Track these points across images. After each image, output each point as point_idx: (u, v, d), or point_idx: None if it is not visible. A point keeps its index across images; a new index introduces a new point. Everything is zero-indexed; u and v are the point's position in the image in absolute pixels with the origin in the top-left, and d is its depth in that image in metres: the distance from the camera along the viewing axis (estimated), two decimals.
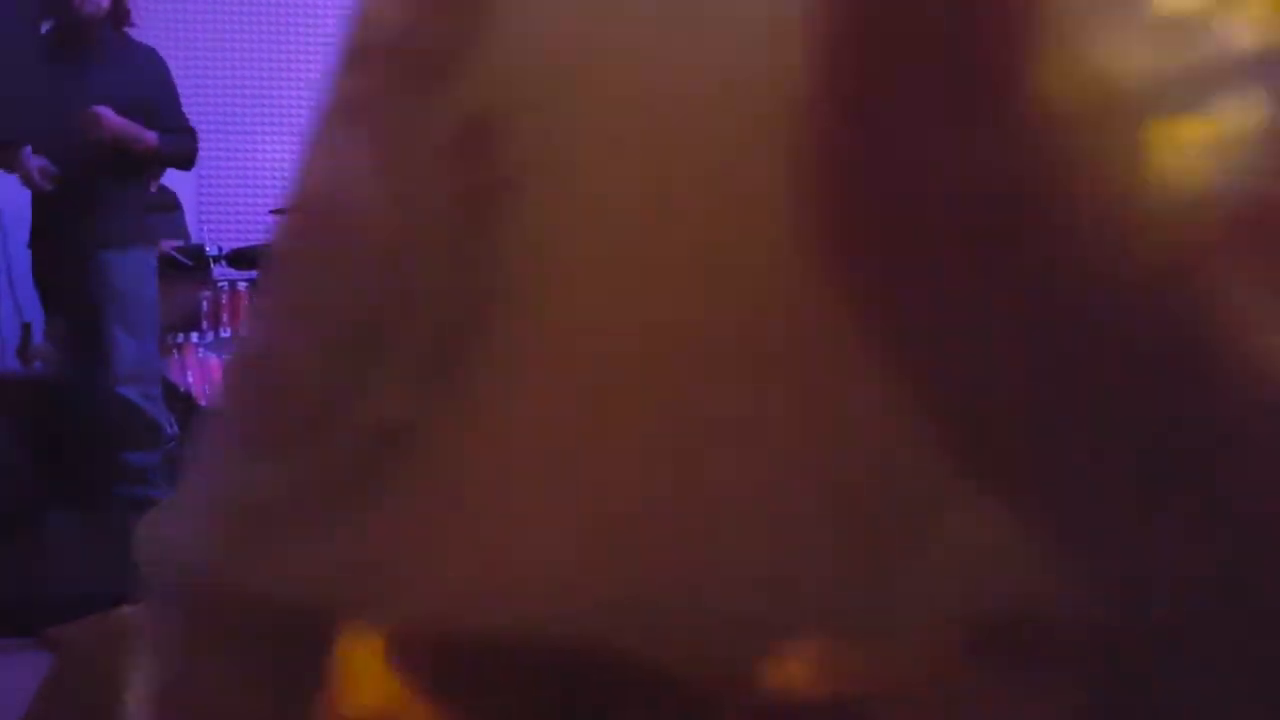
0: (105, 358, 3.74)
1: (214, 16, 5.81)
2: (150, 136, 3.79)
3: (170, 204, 5.15)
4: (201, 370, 4.74)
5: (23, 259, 4.90)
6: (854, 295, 0.11)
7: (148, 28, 5.75)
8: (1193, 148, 0.13)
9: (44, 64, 3.75)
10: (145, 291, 3.91)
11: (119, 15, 3.84)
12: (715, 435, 0.13)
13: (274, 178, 5.85)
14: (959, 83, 0.11)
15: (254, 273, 5.05)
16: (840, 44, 0.11)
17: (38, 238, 3.94)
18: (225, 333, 4.89)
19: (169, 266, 4.76)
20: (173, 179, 5.22)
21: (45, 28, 3.82)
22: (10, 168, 3.80)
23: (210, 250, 5.01)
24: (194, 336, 4.80)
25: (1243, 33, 0.14)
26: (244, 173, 5.89)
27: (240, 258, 5.11)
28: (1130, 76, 0.13)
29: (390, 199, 0.12)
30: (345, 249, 0.12)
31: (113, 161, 3.71)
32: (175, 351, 4.61)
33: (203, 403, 4.55)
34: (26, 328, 4.99)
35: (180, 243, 4.95)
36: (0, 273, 5.17)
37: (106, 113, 3.63)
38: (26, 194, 4.81)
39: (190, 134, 4.02)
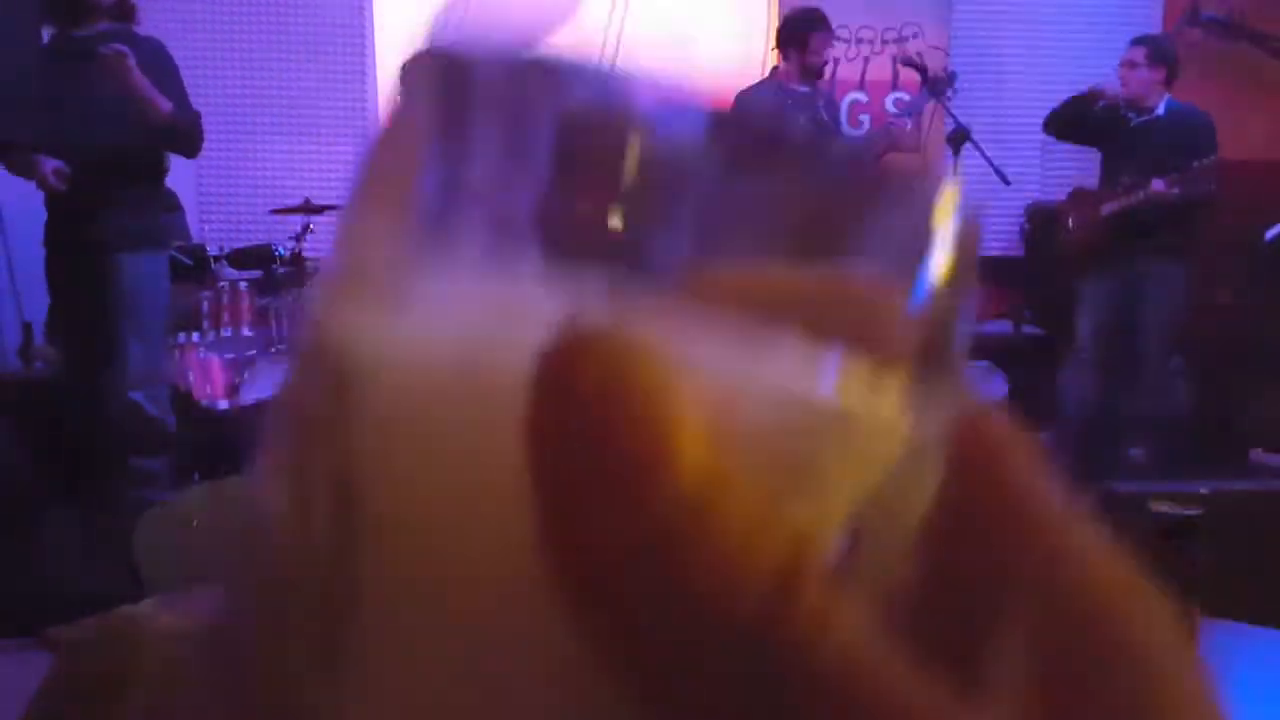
0: (115, 361, 3.73)
1: (215, 19, 5.80)
2: (164, 101, 3.78)
3: (171, 205, 5.15)
4: (202, 370, 4.73)
5: (25, 260, 4.91)
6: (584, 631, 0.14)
7: (149, 30, 5.75)
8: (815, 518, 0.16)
9: (49, 64, 3.74)
10: (157, 294, 3.90)
11: (124, 9, 3.83)
12: None
13: (274, 179, 5.85)
14: (605, 470, 0.14)
15: (255, 273, 5.05)
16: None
17: (52, 238, 3.92)
18: (226, 332, 4.88)
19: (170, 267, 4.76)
20: (173, 180, 5.22)
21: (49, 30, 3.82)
22: (27, 173, 3.78)
23: (211, 250, 5.00)
24: (194, 336, 4.79)
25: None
26: (244, 173, 5.89)
27: (241, 258, 5.12)
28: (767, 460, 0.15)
29: (294, 516, 0.14)
30: (264, 546, 0.14)
31: (128, 140, 3.70)
32: (176, 352, 4.60)
33: (202, 403, 4.55)
34: (28, 328, 4.99)
35: (180, 243, 4.94)
36: (2, 274, 5.18)
37: (129, 53, 3.65)
38: (31, 195, 4.82)
39: (196, 115, 4.01)
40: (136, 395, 3.73)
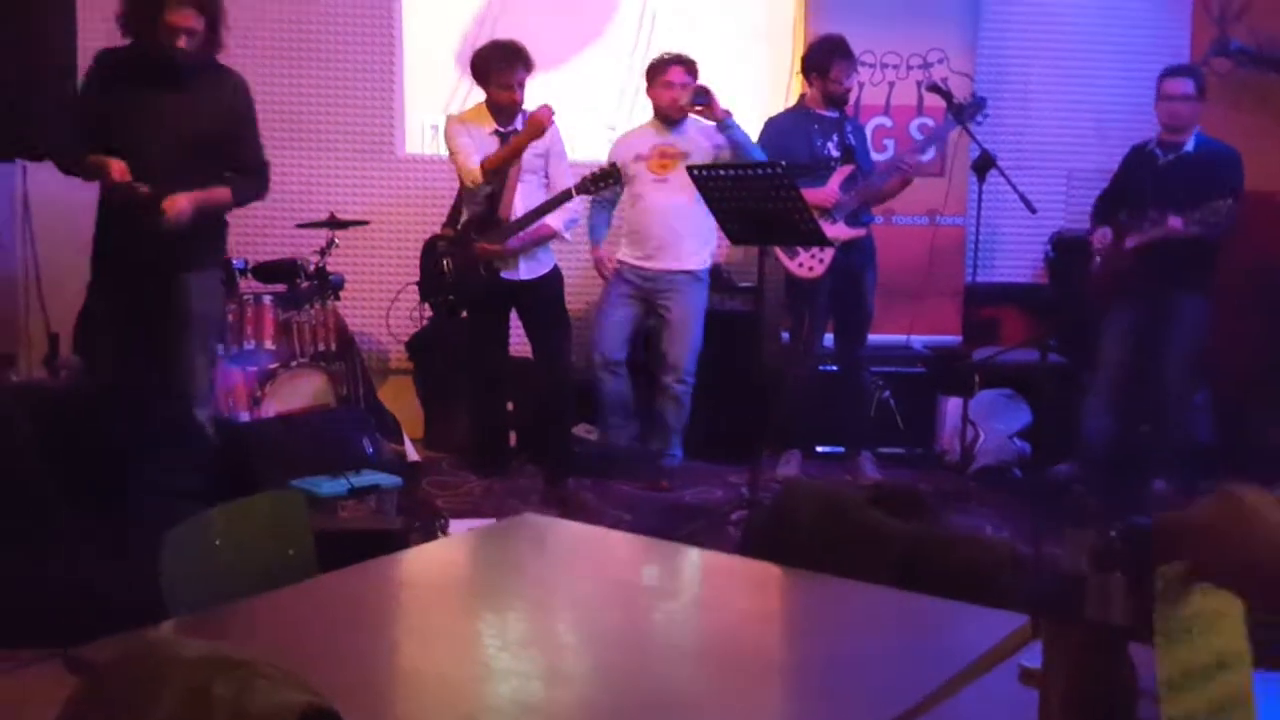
0: (179, 377, 3.72)
1: (244, 32, 5.84)
2: (224, 193, 3.82)
3: None
4: (223, 382, 4.74)
5: (52, 271, 4.95)
6: None
7: None
8: None
9: (131, 86, 3.68)
10: (217, 311, 3.88)
11: (213, 43, 3.75)
12: None
13: (300, 193, 5.88)
14: None
15: (279, 286, 5.07)
16: None
17: (113, 256, 3.83)
18: (249, 345, 4.90)
19: None
20: None
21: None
22: (96, 175, 3.68)
23: (236, 264, 5.02)
24: (219, 349, 4.80)
25: None
26: (270, 187, 5.91)
27: (265, 271, 5.14)
28: None
29: None
30: None
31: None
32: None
33: (224, 414, 4.56)
34: (54, 338, 5.02)
35: None
36: (30, 286, 5.22)
37: (183, 207, 3.64)
38: (61, 206, 4.85)
39: (263, 168, 4.00)
40: (201, 412, 3.75)
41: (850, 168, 4.95)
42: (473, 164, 4.61)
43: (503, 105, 4.64)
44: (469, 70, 4.77)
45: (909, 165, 4.97)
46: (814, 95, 5.02)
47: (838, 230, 4.82)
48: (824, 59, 4.95)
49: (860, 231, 4.97)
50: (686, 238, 4.94)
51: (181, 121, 3.71)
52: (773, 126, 5.07)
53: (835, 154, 4.98)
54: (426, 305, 5.23)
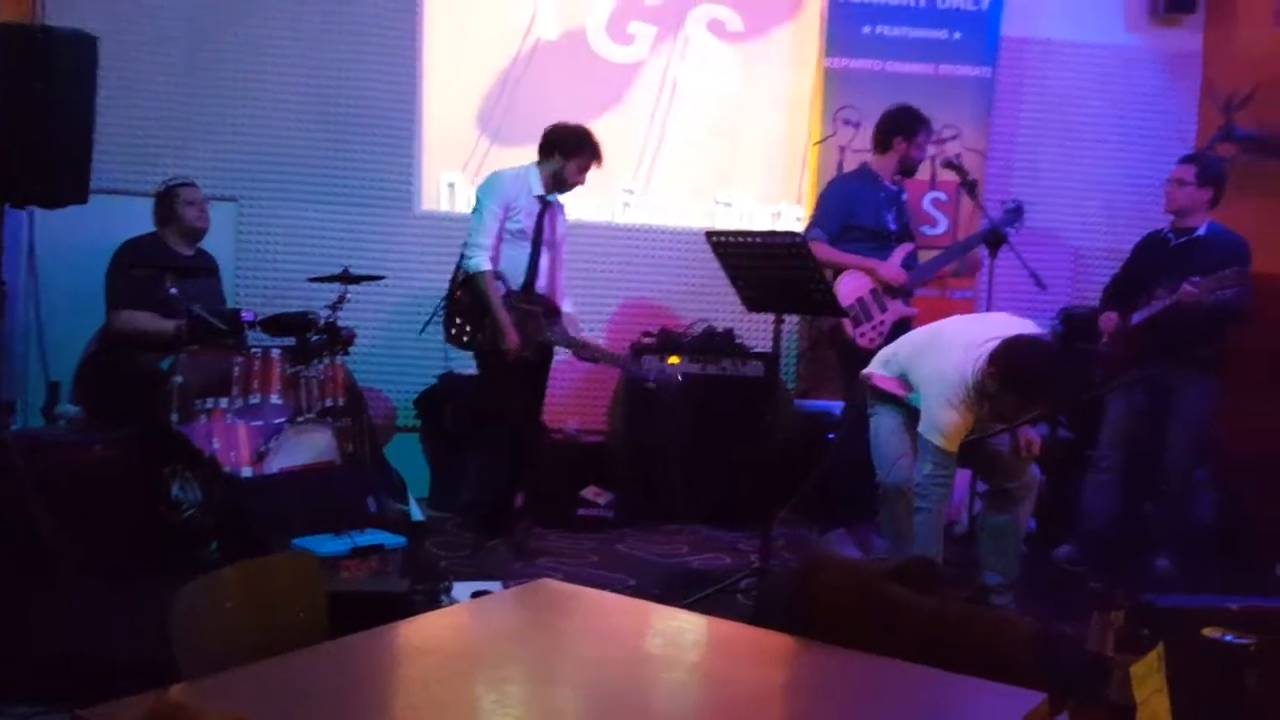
0: None
1: (263, 85, 5.89)
2: None
3: (209, 268, 5.18)
4: (228, 437, 4.69)
5: (54, 319, 4.94)
6: None
7: (198, 104, 5.84)
8: None
9: None
10: None
11: None
12: None
13: (313, 247, 5.89)
14: None
15: (288, 340, 5.04)
16: None
17: None
18: (254, 399, 4.86)
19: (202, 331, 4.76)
20: (211, 245, 5.26)
21: None
22: None
23: (246, 316, 5.01)
24: (223, 402, 4.77)
25: None
26: (283, 240, 5.92)
27: (274, 324, 5.12)
28: None
29: None
30: None
31: None
32: (204, 417, 4.58)
33: (226, 469, 4.52)
34: (54, 387, 4.99)
35: (215, 307, 4.95)
36: (31, 333, 5.21)
37: None
38: (63, 255, 4.84)
39: None
40: None
41: (911, 245, 4.97)
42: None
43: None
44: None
45: (964, 266, 5.07)
46: (885, 163, 5.02)
47: (895, 307, 4.85)
48: (913, 124, 4.98)
49: (915, 310, 4.96)
50: None
51: None
52: (843, 187, 5.09)
53: (893, 227, 5.00)
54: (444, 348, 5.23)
